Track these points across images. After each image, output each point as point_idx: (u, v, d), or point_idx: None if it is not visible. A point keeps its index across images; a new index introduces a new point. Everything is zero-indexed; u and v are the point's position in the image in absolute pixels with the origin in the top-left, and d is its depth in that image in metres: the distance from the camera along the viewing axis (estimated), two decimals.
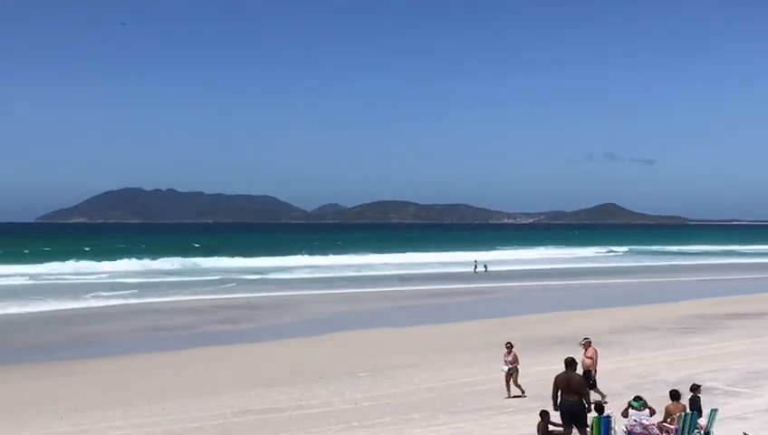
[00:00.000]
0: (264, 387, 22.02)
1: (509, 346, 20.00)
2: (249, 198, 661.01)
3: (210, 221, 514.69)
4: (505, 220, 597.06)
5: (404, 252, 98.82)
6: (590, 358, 18.38)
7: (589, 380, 17.71)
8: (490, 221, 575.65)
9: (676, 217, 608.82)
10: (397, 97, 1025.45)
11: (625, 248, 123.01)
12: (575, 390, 13.61)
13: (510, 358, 19.74)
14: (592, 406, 13.79)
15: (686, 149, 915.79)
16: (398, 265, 79.48)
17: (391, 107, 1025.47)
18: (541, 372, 21.73)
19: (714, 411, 14.34)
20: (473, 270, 73.98)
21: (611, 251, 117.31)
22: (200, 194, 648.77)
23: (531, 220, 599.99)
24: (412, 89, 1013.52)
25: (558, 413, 13.84)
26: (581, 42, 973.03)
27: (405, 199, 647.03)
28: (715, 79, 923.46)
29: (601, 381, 21.02)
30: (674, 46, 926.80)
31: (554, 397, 13.99)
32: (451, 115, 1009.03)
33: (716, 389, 19.39)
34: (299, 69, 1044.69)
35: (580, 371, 15.17)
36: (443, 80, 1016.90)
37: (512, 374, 19.59)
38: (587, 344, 18.73)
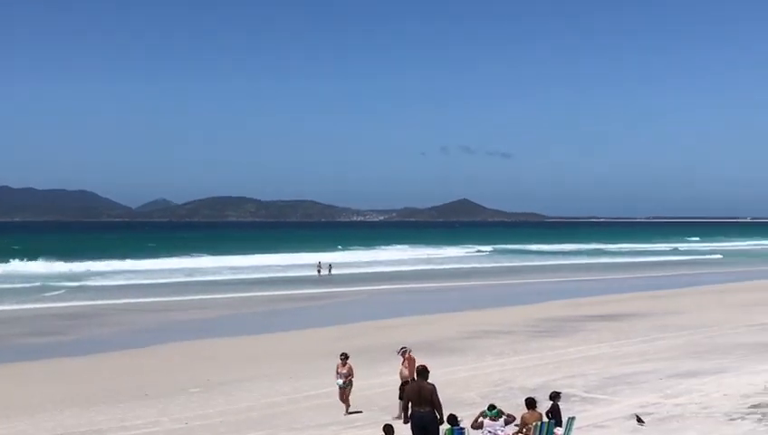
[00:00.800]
0: (78, 407, 21.00)
1: (344, 357, 19.87)
2: (64, 193, 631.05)
3: (18, 219, 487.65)
4: (355, 218, 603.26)
5: (241, 254, 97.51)
6: (407, 367, 18.31)
7: None
8: (338, 219, 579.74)
9: (533, 214, 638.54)
10: (236, 84, 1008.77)
11: (489, 248, 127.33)
12: (427, 400, 13.72)
13: (344, 370, 19.58)
14: (445, 417, 13.97)
15: (544, 142, 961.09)
16: (234, 269, 78.32)
17: (228, 92, 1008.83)
18: (391, 382, 21.96)
19: (571, 420, 14.85)
20: (317, 273, 74.02)
21: (480, 251, 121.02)
22: (6, 188, 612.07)
23: (382, 217, 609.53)
24: (252, 77, 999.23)
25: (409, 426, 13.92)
26: (424, 31, 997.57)
27: (243, 195, 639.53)
28: (572, 68, 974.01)
29: (455, 389, 21.53)
30: (519, 33, 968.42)
31: (404, 409, 14.08)
32: (295, 106, 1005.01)
33: (574, 395, 20.30)
34: (116, 55, 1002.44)
35: (431, 380, 15.36)
36: (286, 71, 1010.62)
37: (346, 388, 19.49)
38: (405, 353, 18.67)
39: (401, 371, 18.52)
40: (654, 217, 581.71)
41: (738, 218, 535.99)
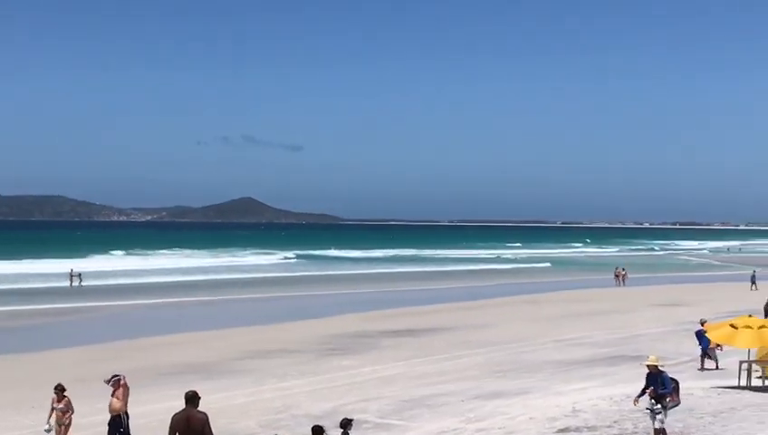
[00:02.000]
0: None
1: (59, 390, 18.77)
2: None
3: None
4: (116, 217, 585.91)
5: None
6: (120, 399, 17.70)
7: (119, 428, 17.50)
8: (95, 218, 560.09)
9: (326, 216, 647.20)
10: None
11: (290, 254, 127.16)
12: (197, 432, 13.41)
13: (62, 405, 18.61)
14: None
15: (340, 134, 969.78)
16: None
17: None
18: (154, 411, 21.28)
19: None
20: (68, 284, 70.99)
21: (287, 258, 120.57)
22: None
23: (149, 217, 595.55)
24: None
25: None
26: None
27: None
28: (373, 52, 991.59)
29: (230, 418, 21.20)
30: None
31: None
32: (40, 85, 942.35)
33: (367, 422, 20.57)
34: None
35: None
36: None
37: (62, 426, 18.44)
38: (117, 383, 17.86)
39: (112, 402, 17.77)
40: (460, 221, 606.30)
41: (554, 223, 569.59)
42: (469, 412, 21.39)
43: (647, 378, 17.60)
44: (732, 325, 24.02)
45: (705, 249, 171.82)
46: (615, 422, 18.81)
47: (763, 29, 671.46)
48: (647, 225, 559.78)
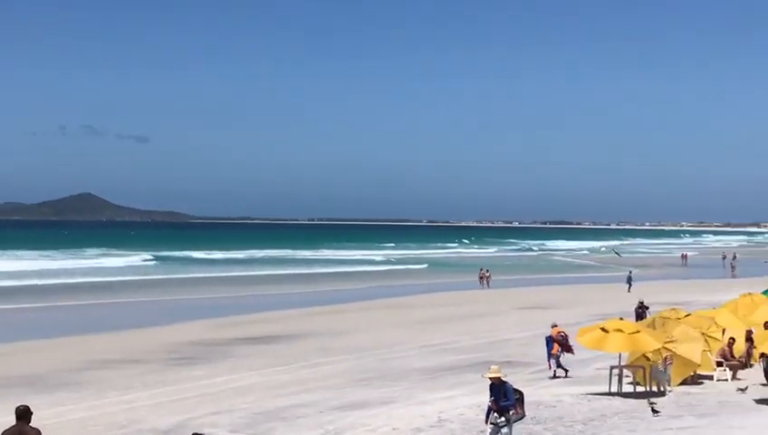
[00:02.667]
0: None
1: None
2: None
3: None
4: None
5: None
6: None
7: None
8: None
9: (174, 214, 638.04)
10: None
11: (148, 256, 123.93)
12: None
13: None
14: None
15: (190, 125, 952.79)
16: None
17: None
18: None
19: None
20: None
21: (147, 260, 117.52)
22: None
23: None
24: None
25: None
26: None
27: None
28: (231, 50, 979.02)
29: (70, 434, 20.66)
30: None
31: None
32: None
33: None
34: None
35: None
36: None
37: None
38: None
39: None
40: (321, 220, 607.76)
41: (420, 222, 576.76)
42: (328, 424, 21.48)
43: (490, 390, 17.64)
44: (603, 329, 24.79)
45: (583, 249, 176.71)
46: (481, 432, 19.19)
47: (614, 30, 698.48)
48: (516, 224, 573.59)
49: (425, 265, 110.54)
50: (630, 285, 67.94)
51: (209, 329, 44.37)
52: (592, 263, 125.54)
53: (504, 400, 17.39)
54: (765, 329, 26.75)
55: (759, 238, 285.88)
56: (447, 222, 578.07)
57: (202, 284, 78.12)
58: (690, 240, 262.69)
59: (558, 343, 28.54)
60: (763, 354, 25.43)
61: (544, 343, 29.43)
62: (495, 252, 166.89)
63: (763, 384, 25.13)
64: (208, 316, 50.11)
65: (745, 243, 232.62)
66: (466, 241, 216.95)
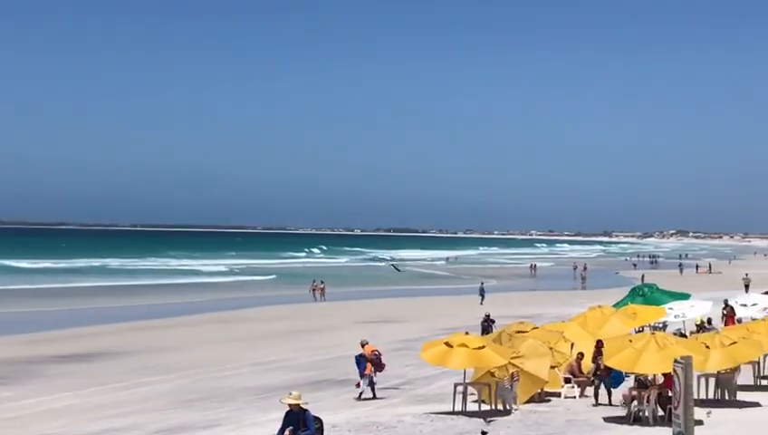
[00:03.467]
0: None
1: None
2: None
3: None
4: None
5: None
6: None
7: None
8: None
9: None
10: None
11: None
12: None
13: None
14: None
15: None
16: None
17: None
18: None
19: None
20: None
21: None
22: None
23: None
24: None
25: None
26: None
27: None
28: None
29: None
30: None
31: None
32: None
33: None
34: None
35: None
36: None
37: None
38: None
39: None
40: (146, 226, 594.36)
41: (255, 228, 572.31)
42: None
43: (285, 416, 17.38)
44: (447, 344, 25.08)
45: (439, 259, 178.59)
46: None
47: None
48: (358, 231, 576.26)
49: (273, 276, 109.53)
50: (483, 297, 69.28)
51: (17, 346, 43.13)
52: (445, 273, 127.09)
53: (304, 429, 17.11)
54: (597, 348, 27.17)
55: (614, 248, 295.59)
56: (285, 229, 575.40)
57: (7, 296, 75.41)
58: (546, 250, 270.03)
59: (371, 363, 28.22)
60: (597, 372, 26.14)
61: (355, 362, 28.74)
62: (347, 262, 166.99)
63: (594, 405, 25.78)
64: (16, 332, 48.68)
65: (601, 253, 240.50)
66: (317, 250, 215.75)
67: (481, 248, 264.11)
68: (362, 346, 28.87)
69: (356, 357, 28.73)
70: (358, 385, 28.36)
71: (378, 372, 28.52)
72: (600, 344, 26.97)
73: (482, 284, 74.03)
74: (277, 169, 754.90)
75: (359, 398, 27.97)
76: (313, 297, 75.01)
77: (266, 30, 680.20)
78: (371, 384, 28.20)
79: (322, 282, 78.35)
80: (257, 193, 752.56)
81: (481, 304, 66.13)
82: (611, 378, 26.07)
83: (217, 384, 32.21)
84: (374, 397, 28.08)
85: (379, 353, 28.60)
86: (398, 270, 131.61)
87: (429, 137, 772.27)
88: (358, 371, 28.43)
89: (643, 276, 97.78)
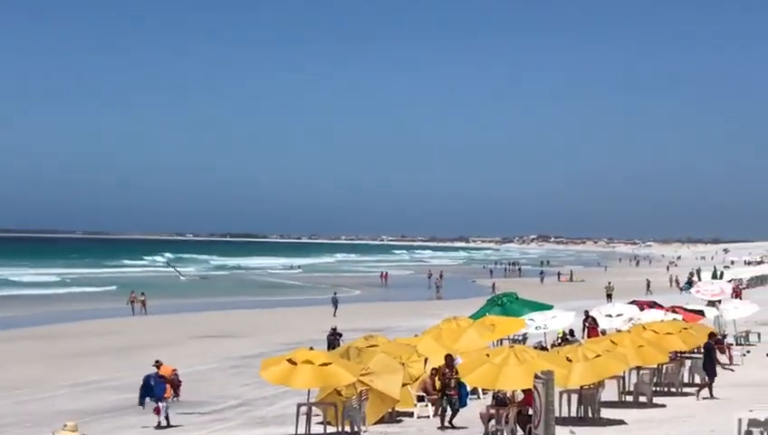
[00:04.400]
0: None
1: None
2: None
3: None
4: None
5: None
6: None
7: None
8: None
9: None
10: None
11: None
12: None
13: None
14: None
15: None
16: None
17: None
18: None
19: None
20: None
21: None
22: None
23: None
24: None
25: None
26: None
27: None
28: None
29: None
30: None
31: None
32: None
33: None
34: None
35: None
36: None
37: None
38: None
39: None
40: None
41: (73, 233, 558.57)
42: None
43: None
44: (290, 361, 24.79)
45: (287, 266, 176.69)
46: None
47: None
48: (190, 236, 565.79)
49: (113, 287, 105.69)
50: (336, 308, 69.39)
51: None
52: (294, 283, 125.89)
53: None
54: (446, 363, 27.09)
55: (479, 254, 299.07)
56: (108, 234, 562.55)
57: None
58: (407, 256, 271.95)
59: (172, 385, 27.61)
60: (443, 391, 26.12)
61: (150, 384, 27.61)
62: (196, 271, 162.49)
63: (439, 427, 25.84)
64: None
65: (465, 260, 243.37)
66: (161, 258, 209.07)
67: (338, 255, 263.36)
68: (158, 366, 28.10)
69: (149, 377, 27.72)
70: (157, 411, 27.36)
71: (176, 398, 27.95)
72: (449, 359, 26.91)
73: (335, 294, 74.06)
74: (99, 166, 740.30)
75: (158, 426, 27.25)
76: (132, 310, 73.22)
77: None
78: (166, 410, 27.36)
79: (143, 293, 76.39)
80: (80, 194, 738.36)
81: (334, 315, 66.51)
82: (464, 395, 26.17)
83: (29, 408, 31.43)
84: (168, 425, 27.37)
85: (178, 374, 28.10)
86: (182, 276, 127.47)
87: (270, 137, 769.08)
88: (153, 395, 27.36)
89: (494, 285, 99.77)
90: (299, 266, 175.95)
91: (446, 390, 25.81)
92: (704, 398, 29.83)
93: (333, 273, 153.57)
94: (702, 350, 32.05)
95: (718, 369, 32.59)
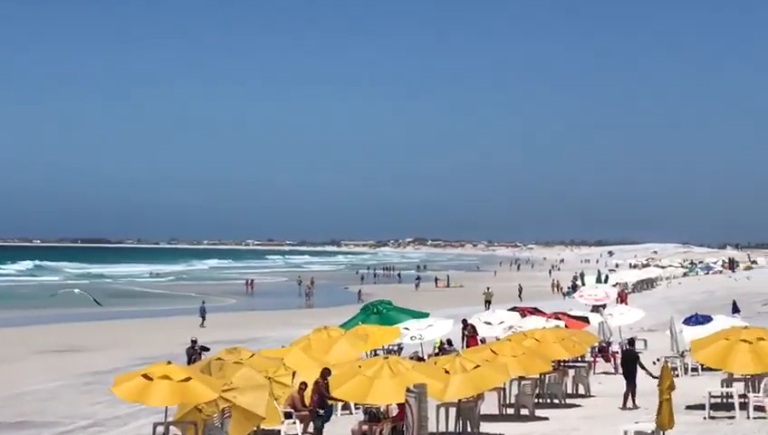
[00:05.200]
0: None
1: None
2: None
3: None
4: None
5: None
6: None
7: None
8: None
9: None
10: None
11: None
12: None
13: None
14: None
15: None
16: None
17: None
18: None
19: None
20: None
21: None
22: None
23: None
24: None
25: None
26: None
27: None
28: None
29: None
30: None
31: None
32: None
33: None
34: None
35: None
36: None
37: None
38: None
39: None
40: None
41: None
42: None
43: None
44: (146, 376, 24.32)
45: (145, 274, 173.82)
46: None
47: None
48: (38, 242, 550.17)
49: None
50: (204, 318, 68.90)
51: None
52: (164, 292, 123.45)
53: None
54: (323, 376, 27.03)
55: (356, 259, 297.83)
56: None
57: None
58: (282, 262, 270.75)
59: None
60: (314, 410, 26.01)
61: None
62: (64, 280, 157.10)
63: None
64: None
65: (343, 266, 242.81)
66: (28, 266, 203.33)
67: (211, 261, 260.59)
68: None
69: None
70: None
71: None
72: (325, 373, 26.82)
73: (203, 303, 73.54)
74: None
75: None
76: None
77: None
78: None
79: None
80: None
81: (202, 326, 66.32)
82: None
83: None
84: None
85: None
86: (99, 304, 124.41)
87: (123, 130, 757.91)
88: None
89: (360, 292, 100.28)
90: (167, 274, 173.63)
91: (322, 406, 25.67)
92: (629, 407, 30.14)
93: (202, 281, 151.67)
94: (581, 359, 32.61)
95: (603, 378, 33.21)
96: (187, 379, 24.22)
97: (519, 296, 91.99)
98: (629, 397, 30.46)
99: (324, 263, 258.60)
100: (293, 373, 29.30)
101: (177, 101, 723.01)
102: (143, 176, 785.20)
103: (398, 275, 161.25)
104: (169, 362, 25.65)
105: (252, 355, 30.04)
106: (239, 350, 30.59)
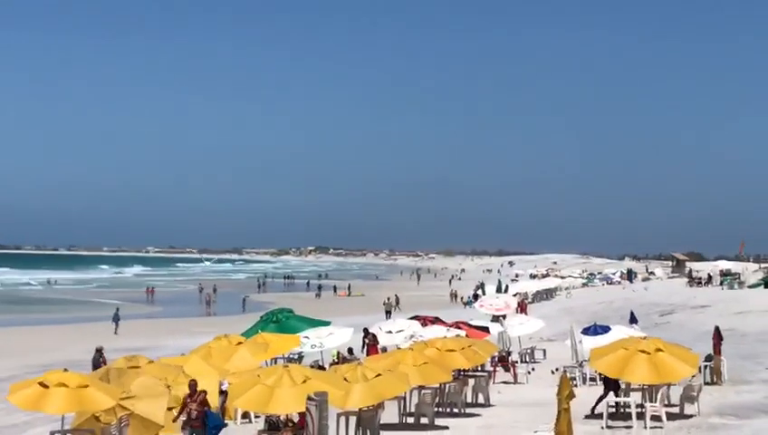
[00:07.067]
0: None
1: None
2: None
3: None
4: None
5: None
6: None
7: None
8: None
9: None
10: None
11: None
12: None
13: None
14: None
15: None
16: None
17: None
18: None
19: None
20: None
21: None
22: None
23: None
24: None
25: None
26: None
27: None
28: None
29: None
30: None
31: None
32: None
33: None
34: None
35: None
36: None
37: None
38: None
39: None
40: None
41: None
42: None
43: None
44: (42, 384, 23.94)
45: (39, 281, 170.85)
46: None
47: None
48: None
49: None
50: (117, 325, 68.44)
51: None
52: (68, 298, 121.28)
53: None
54: (189, 389, 26.51)
55: (265, 267, 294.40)
56: None
57: None
58: (199, 269, 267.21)
59: None
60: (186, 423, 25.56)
61: None
62: None
63: None
64: None
65: (255, 274, 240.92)
66: None
67: (135, 267, 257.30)
68: None
69: None
70: None
71: None
72: (192, 385, 26.14)
73: (117, 310, 72.96)
74: None
75: None
76: None
77: None
78: None
79: None
80: None
81: (115, 332, 66.09)
82: (211, 426, 25.45)
83: None
84: None
85: None
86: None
87: (18, 134, 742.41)
88: None
89: (244, 300, 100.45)
90: (55, 281, 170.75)
91: (189, 422, 25.06)
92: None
93: (109, 288, 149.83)
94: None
95: (502, 387, 33.37)
96: (85, 386, 23.92)
97: (397, 306, 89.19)
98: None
99: (249, 271, 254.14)
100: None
101: (73, 106, 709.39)
102: (42, 182, 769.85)
103: (307, 283, 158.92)
104: (66, 370, 25.27)
105: (150, 363, 29.79)
106: (137, 357, 30.35)
